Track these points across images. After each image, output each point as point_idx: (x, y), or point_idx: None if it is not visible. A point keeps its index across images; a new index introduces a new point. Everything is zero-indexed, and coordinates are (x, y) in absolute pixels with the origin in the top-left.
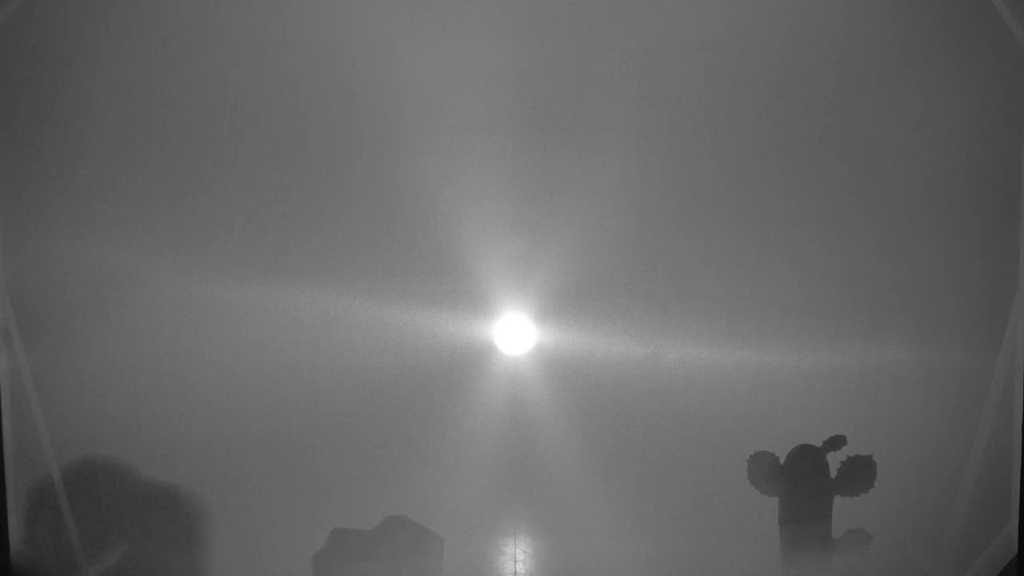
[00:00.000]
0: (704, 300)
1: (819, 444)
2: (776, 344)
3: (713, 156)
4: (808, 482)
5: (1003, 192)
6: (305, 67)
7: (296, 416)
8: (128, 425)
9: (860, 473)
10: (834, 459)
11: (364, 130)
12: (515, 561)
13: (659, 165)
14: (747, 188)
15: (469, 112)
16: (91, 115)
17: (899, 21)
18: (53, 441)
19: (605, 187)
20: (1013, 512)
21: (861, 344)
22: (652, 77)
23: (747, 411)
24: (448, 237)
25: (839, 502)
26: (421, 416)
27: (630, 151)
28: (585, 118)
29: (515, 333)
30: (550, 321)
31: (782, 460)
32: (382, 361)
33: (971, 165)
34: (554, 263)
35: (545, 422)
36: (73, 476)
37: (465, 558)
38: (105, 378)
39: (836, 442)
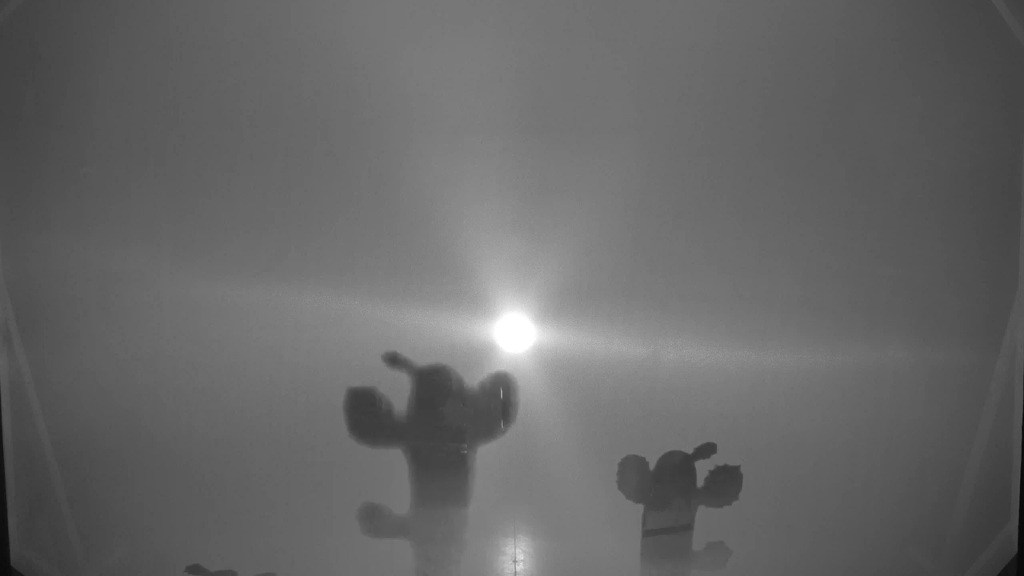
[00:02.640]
0: (704, 300)
1: (691, 451)
2: (776, 344)
3: (713, 156)
4: (674, 488)
5: (1003, 192)
6: (306, 67)
7: (296, 416)
8: (129, 425)
9: (726, 484)
10: (703, 468)
11: (364, 130)
12: (515, 561)
13: (659, 165)
14: (747, 188)
15: (469, 112)
16: (92, 115)
17: (899, 21)
18: (53, 441)
19: (605, 187)
20: (1013, 512)
21: (861, 344)
22: (652, 77)
23: (747, 411)
24: (448, 237)
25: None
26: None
27: (630, 151)
28: (585, 118)
29: (515, 333)
30: (550, 321)
31: (652, 465)
32: (382, 361)
33: (971, 165)
34: (554, 263)
35: (545, 422)
36: (73, 476)
37: (465, 558)
38: (105, 378)
39: (705, 450)
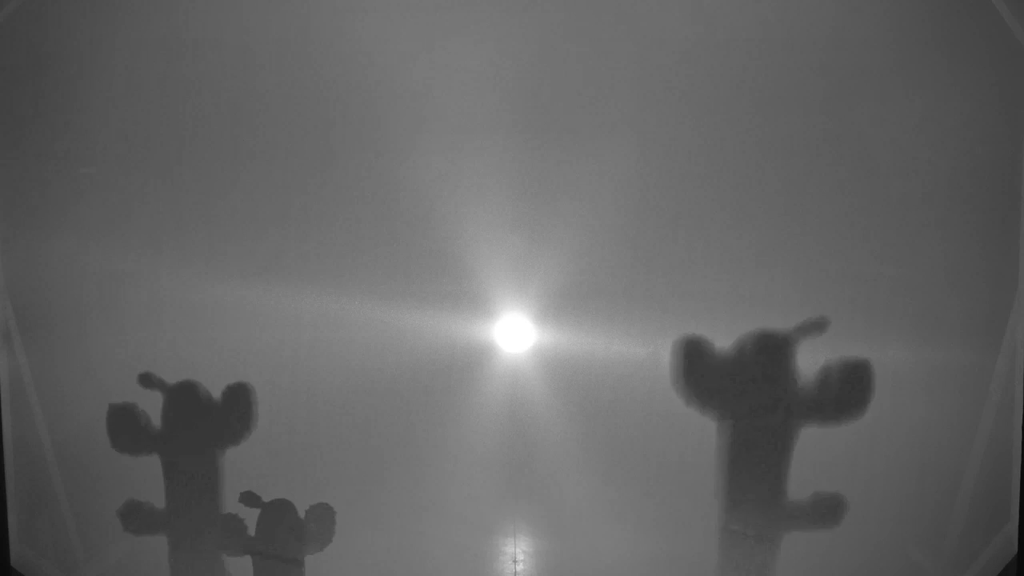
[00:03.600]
0: (704, 300)
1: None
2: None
3: (713, 156)
4: (762, 386)
5: (1003, 192)
6: (305, 66)
7: (296, 416)
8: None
9: (851, 385)
10: (810, 364)
11: (364, 130)
12: (515, 561)
13: (659, 165)
14: (747, 188)
15: (469, 112)
16: (91, 115)
17: (898, 21)
18: (53, 441)
19: (605, 187)
20: (1013, 512)
21: (861, 344)
22: (652, 77)
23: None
24: (448, 237)
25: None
26: (421, 416)
27: (630, 151)
28: (585, 118)
29: (515, 333)
30: (550, 321)
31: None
32: (382, 361)
33: (971, 165)
34: (554, 263)
35: (545, 422)
36: (73, 476)
37: (465, 558)
38: (105, 378)
39: (813, 327)
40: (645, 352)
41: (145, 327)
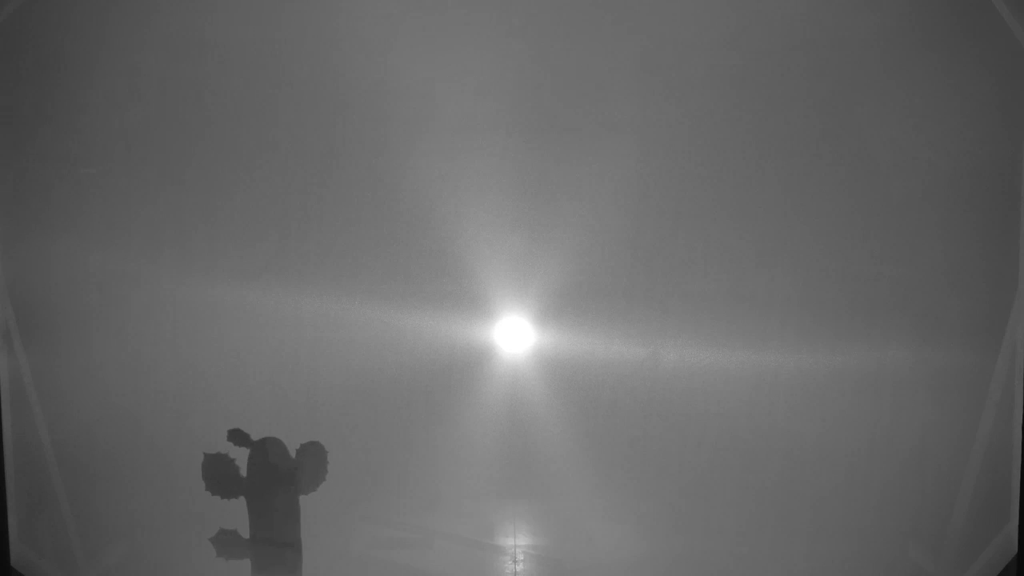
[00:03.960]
0: (704, 300)
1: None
2: (776, 344)
3: (713, 157)
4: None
5: (1003, 192)
6: (305, 67)
7: (296, 416)
8: (128, 425)
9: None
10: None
11: (364, 130)
12: (515, 561)
13: (659, 165)
14: (747, 188)
15: (469, 112)
16: (91, 115)
17: (899, 21)
18: (53, 441)
19: (605, 187)
20: (1013, 512)
21: (861, 344)
22: (652, 78)
23: (747, 411)
24: (448, 237)
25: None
26: (421, 416)
27: (630, 151)
28: (585, 118)
29: (515, 333)
30: (550, 322)
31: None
32: (382, 361)
33: (971, 165)
34: (554, 263)
35: (545, 422)
36: (73, 476)
37: (465, 557)
38: (105, 378)
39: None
40: (645, 352)
41: (144, 327)
